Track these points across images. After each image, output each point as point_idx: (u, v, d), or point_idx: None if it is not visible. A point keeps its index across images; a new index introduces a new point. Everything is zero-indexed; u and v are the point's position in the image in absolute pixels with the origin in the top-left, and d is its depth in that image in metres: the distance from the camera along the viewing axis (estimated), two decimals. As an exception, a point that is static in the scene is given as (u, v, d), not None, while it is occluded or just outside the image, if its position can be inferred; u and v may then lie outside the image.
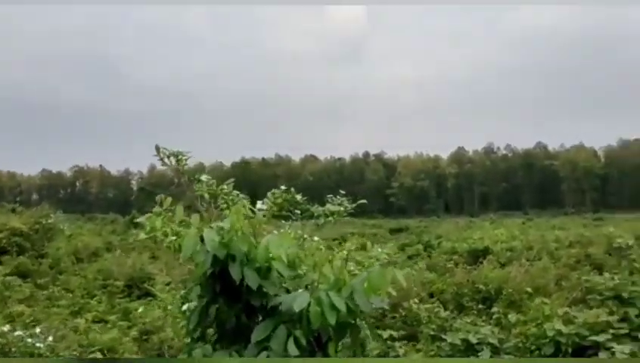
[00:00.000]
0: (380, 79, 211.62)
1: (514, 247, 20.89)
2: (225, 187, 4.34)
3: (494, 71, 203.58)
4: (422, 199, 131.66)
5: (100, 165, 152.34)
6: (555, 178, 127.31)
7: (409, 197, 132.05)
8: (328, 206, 4.52)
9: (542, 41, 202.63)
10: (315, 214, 4.52)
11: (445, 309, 8.45)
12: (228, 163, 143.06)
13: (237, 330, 3.14)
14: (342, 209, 4.48)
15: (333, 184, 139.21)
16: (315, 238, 4.15)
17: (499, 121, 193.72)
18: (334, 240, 13.39)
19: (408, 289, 8.70)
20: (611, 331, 6.00)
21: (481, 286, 9.83)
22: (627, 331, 6.07)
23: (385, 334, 7.14)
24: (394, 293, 3.30)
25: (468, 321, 7.30)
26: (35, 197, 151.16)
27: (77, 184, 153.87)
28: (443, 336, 6.54)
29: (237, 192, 4.36)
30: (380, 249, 4.83)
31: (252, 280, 2.95)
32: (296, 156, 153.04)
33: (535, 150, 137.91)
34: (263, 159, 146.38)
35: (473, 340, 6.19)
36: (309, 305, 2.76)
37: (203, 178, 4.21)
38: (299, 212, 4.61)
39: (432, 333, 7.03)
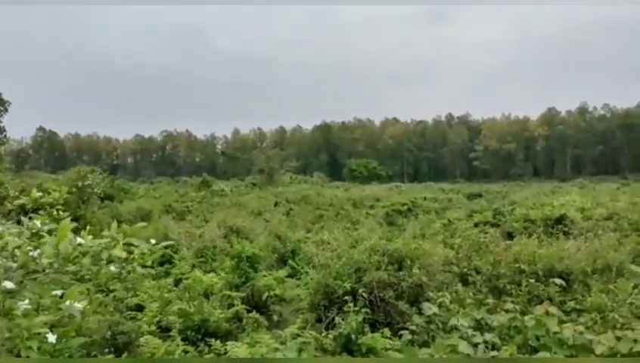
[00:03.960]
0: (464, 39, 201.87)
1: (594, 216, 18.73)
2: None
3: (587, 27, 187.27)
4: (508, 162, 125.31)
5: (187, 130, 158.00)
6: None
7: (494, 160, 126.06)
8: None
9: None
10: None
11: (481, 294, 7.15)
12: (308, 127, 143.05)
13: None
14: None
15: (414, 148, 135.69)
16: None
17: (594, 80, 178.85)
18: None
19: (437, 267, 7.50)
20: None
21: (523, 266, 8.24)
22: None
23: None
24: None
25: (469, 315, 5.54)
26: (130, 160, 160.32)
27: (167, 148, 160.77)
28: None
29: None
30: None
31: None
32: (377, 120, 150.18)
33: (638, 110, 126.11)
34: (343, 122, 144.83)
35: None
36: None
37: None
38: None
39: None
